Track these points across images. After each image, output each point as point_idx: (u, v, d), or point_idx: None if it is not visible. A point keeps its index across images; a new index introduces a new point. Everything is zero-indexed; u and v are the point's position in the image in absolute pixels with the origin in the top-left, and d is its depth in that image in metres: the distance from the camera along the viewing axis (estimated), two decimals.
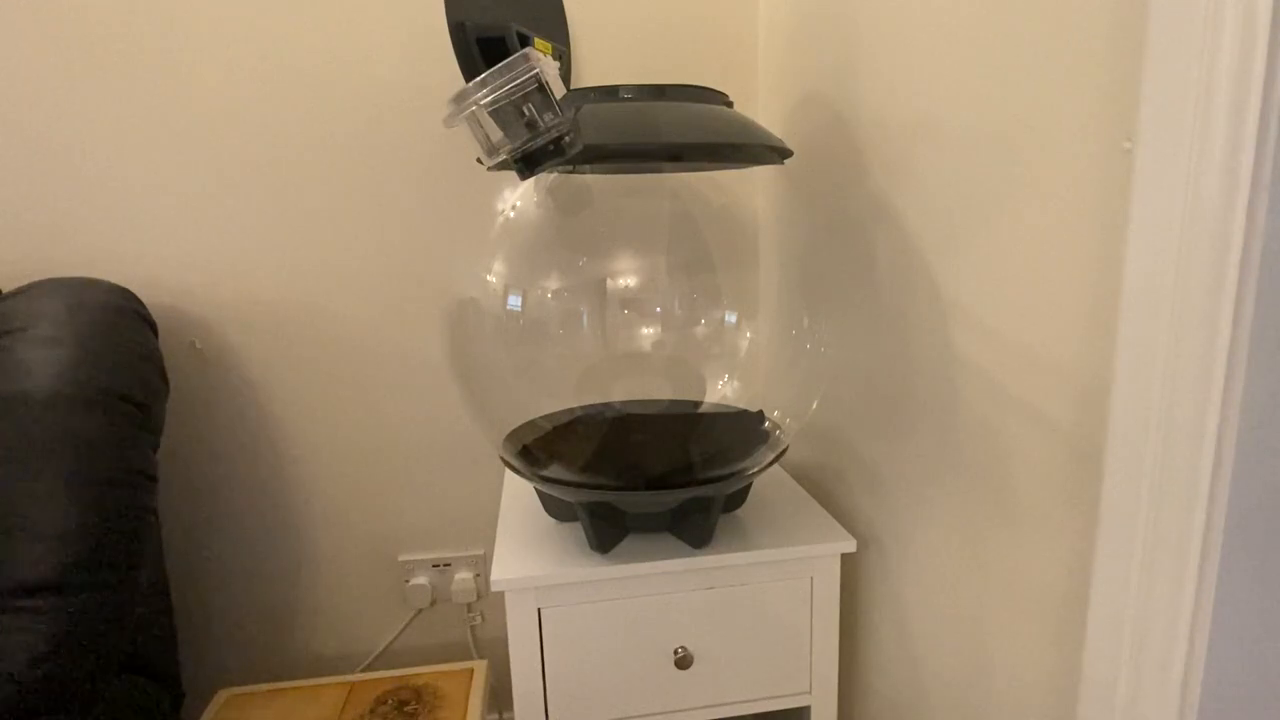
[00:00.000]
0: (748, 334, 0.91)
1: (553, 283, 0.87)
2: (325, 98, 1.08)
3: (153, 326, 1.00)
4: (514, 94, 0.60)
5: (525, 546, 0.86)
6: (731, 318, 0.90)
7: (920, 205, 0.73)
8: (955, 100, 0.66)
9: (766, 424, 0.90)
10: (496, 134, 0.63)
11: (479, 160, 0.65)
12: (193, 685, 1.21)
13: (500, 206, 0.89)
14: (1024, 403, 0.61)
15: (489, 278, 0.87)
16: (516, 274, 0.87)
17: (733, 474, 0.82)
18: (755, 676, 0.86)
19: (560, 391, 0.93)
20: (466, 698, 1.08)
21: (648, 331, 0.89)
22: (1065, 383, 0.56)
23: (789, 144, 1.04)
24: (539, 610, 0.81)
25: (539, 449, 0.89)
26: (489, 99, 0.61)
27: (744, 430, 0.90)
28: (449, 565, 1.24)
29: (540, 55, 0.60)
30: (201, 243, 1.09)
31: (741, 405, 0.94)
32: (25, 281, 0.96)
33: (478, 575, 1.25)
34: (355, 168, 1.10)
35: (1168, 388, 0.46)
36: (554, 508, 0.91)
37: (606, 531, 0.83)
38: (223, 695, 1.11)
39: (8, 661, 0.75)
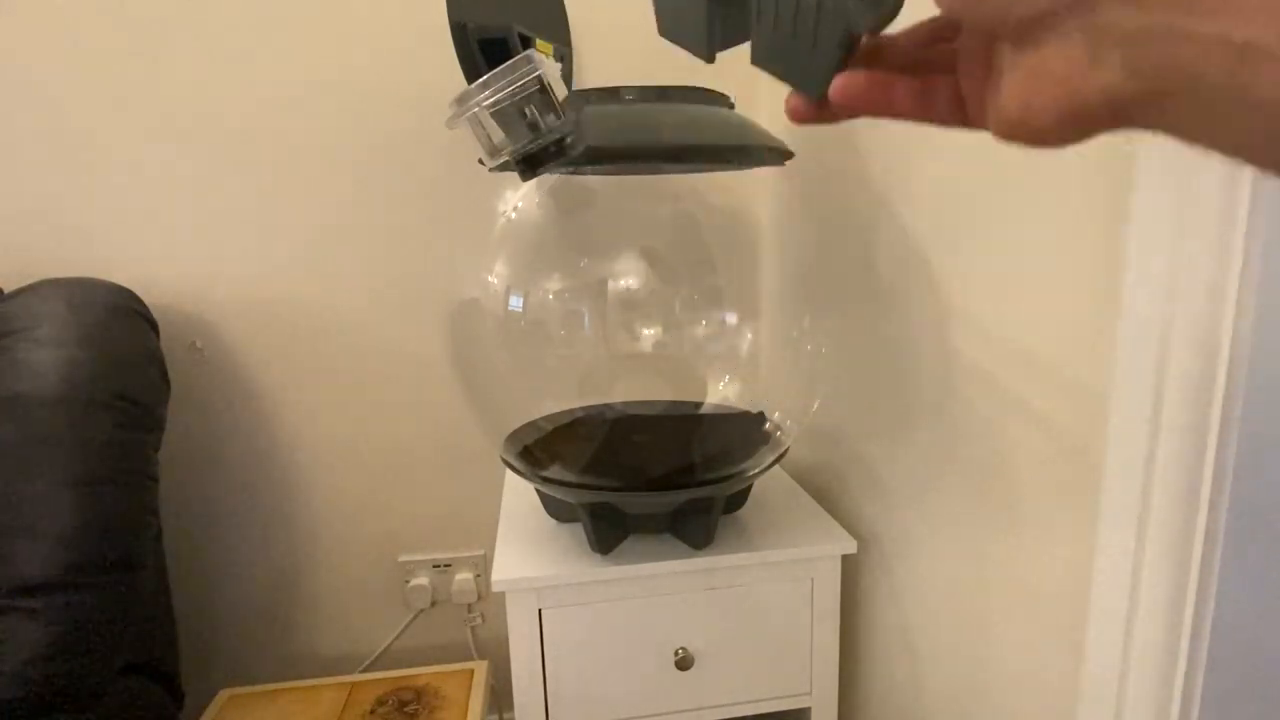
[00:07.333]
0: (749, 335, 0.91)
1: (554, 283, 0.87)
2: (326, 99, 1.08)
3: (154, 326, 1.00)
4: (516, 95, 0.60)
5: (526, 547, 0.86)
6: (732, 319, 0.90)
7: (921, 206, 0.74)
8: None
9: (767, 425, 0.90)
10: (498, 135, 0.63)
11: (481, 161, 0.65)
12: (193, 685, 1.21)
13: (502, 208, 0.89)
14: (1024, 403, 0.61)
15: (490, 278, 0.87)
16: (518, 275, 0.87)
17: (733, 475, 0.82)
18: (756, 677, 0.87)
19: (561, 392, 0.93)
20: (467, 698, 1.08)
21: (649, 332, 0.89)
22: (1065, 383, 0.56)
23: (790, 145, 1.04)
24: (540, 611, 0.81)
25: (540, 449, 0.89)
26: (491, 100, 0.61)
27: (745, 431, 0.90)
28: (449, 566, 1.24)
29: (542, 57, 0.60)
30: (202, 243, 1.09)
31: (742, 406, 0.94)
32: (26, 282, 0.96)
33: (478, 576, 1.25)
34: (356, 168, 1.11)
35: (1168, 388, 0.46)
36: (555, 508, 0.91)
37: (607, 532, 0.83)
38: (223, 695, 1.11)
39: (8, 661, 0.75)
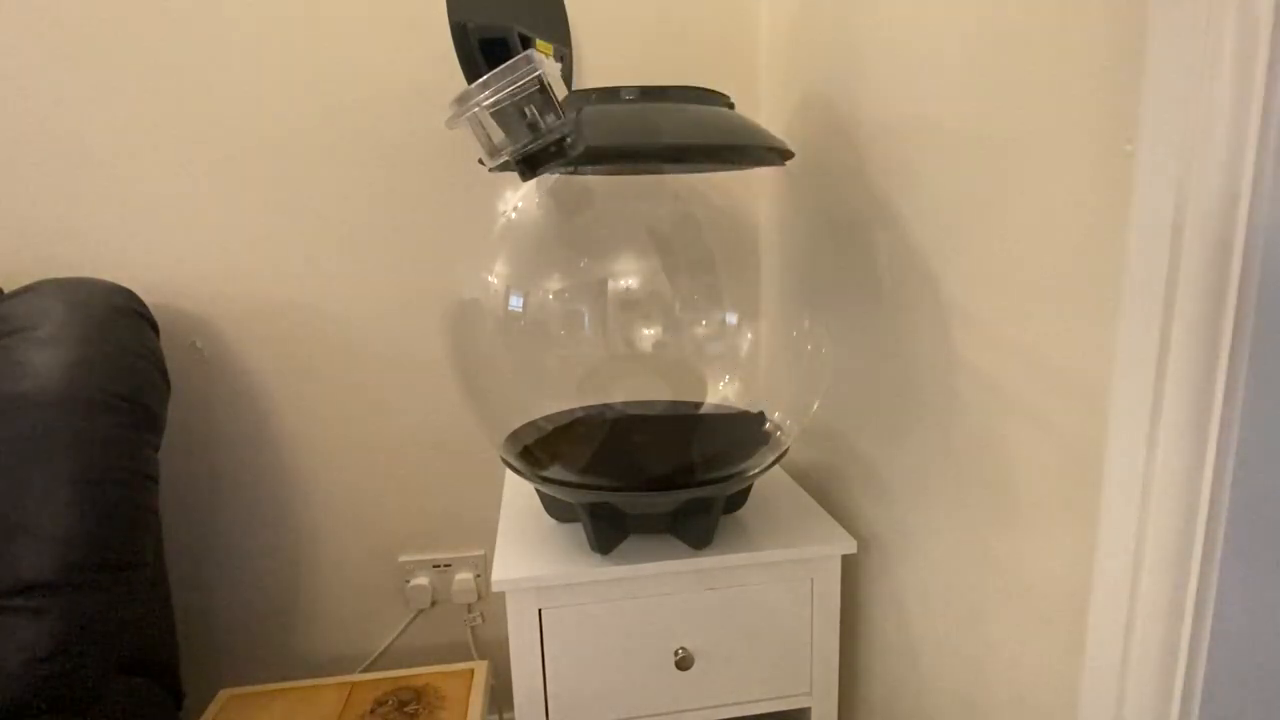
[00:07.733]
0: (748, 335, 0.91)
1: (554, 284, 0.87)
2: (327, 98, 1.08)
3: (154, 326, 1.00)
4: (516, 95, 0.60)
5: (526, 547, 0.86)
6: (732, 319, 0.90)
7: (921, 206, 0.74)
8: (956, 102, 0.66)
9: (767, 425, 0.90)
10: (498, 135, 0.64)
11: (481, 161, 0.65)
12: (193, 685, 1.21)
13: (502, 207, 0.89)
14: (1024, 403, 0.61)
15: (490, 278, 0.87)
16: (518, 275, 0.87)
17: (733, 475, 0.82)
18: (756, 678, 0.87)
19: (561, 392, 0.93)
20: (467, 698, 1.08)
21: (649, 332, 0.89)
22: (1065, 383, 0.56)
23: (790, 145, 1.04)
24: (539, 611, 0.81)
25: (540, 449, 0.89)
26: (491, 100, 0.61)
27: (745, 431, 0.90)
28: (449, 566, 1.24)
29: (542, 57, 0.60)
30: (202, 243, 1.09)
31: (742, 406, 0.94)
32: (26, 282, 0.96)
33: (478, 576, 1.25)
34: (357, 168, 1.11)
35: (1168, 388, 0.46)
36: (555, 508, 0.91)
37: (607, 532, 0.83)
38: (223, 695, 1.11)
39: (8, 661, 0.75)
